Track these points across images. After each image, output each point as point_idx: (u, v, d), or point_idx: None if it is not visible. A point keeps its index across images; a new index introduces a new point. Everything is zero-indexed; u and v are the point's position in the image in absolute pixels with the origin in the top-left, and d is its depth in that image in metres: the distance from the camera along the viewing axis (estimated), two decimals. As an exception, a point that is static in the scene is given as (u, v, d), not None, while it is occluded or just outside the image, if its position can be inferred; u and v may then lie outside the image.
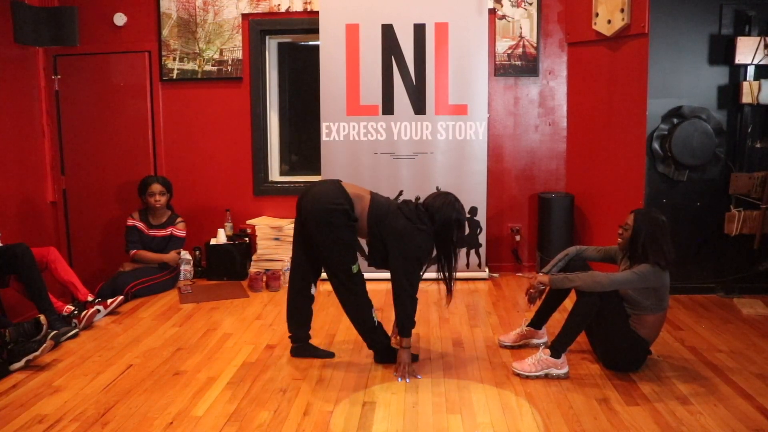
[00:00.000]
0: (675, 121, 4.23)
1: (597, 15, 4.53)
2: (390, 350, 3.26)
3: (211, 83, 5.11)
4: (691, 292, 4.39)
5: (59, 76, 5.03)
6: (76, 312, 3.86)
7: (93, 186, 5.11)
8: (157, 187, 4.67)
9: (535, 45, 4.98)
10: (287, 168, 5.50)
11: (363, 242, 3.27)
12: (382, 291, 4.08)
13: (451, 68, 4.78)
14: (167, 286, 4.68)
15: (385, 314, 3.91)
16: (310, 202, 3.08)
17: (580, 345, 3.31)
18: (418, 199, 3.33)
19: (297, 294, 3.32)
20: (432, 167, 4.83)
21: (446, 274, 3.18)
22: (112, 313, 4.13)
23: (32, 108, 4.90)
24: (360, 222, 3.10)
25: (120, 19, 5.03)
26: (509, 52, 5.00)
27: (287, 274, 4.74)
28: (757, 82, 4.12)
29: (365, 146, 4.84)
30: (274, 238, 4.97)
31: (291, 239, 4.99)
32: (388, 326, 3.42)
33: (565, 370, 3.06)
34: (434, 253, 3.17)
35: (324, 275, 3.28)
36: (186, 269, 4.93)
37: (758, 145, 4.27)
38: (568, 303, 3.22)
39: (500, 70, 5.02)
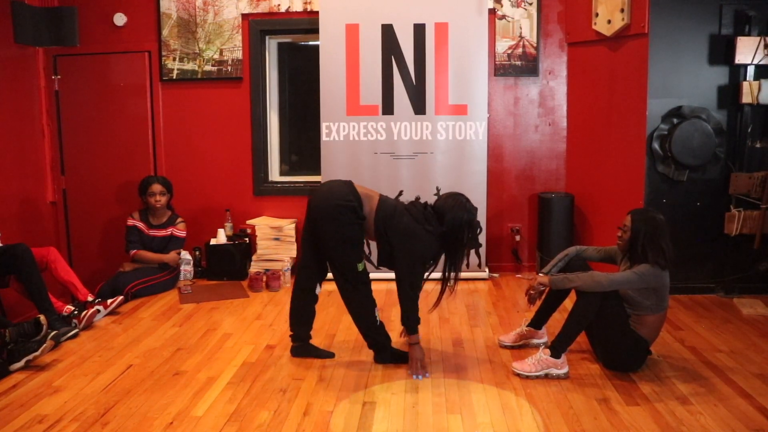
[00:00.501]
0: (675, 121, 4.23)
1: (597, 15, 4.53)
2: (390, 351, 3.27)
3: (211, 83, 5.11)
4: (691, 292, 4.39)
5: (59, 76, 5.03)
6: (76, 312, 3.86)
7: (93, 186, 5.11)
8: (157, 187, 4.67)
9: (535, 45, 4.98)
10: (287, 168, 5.50)
11: (373, 245, 3.28)
12: (382, 291, 4.08)
13: (451, 68, 4.78)
14: (167, 286, 4.67)
15: (385, 314, 3.91)
16: (320, 198, 3.12)
17: (580, 345, 3.31)
18: (418, 199, 3.33)
19: (302, 293, 3.33)
20: (432, 167, 4.83)
21: (451, 274, 3.19)
22: (112, 313, 4.13)
23: (32, 108, 4.90)
24: (368, 221, 3.13)
25: (120, 19, 5.03)
26: (509, 52, 5.00)
27: (287, 274, 4.77)
28: (757, 82, 4.12)
29: (365, 146, 4.84)
30: (274, 238, 4.97)
31: (291, 239, 5.07)
32: (389, 326, 3.43)
33: (565, 370, 3.06)
34: (441, 254, 3.19)
35: (329, 275, 3.28)
36: (186, 269, 4.92)
37: (758, 145, 4.27)
38: (568, 303, 3.22)
39: (500, 70, 5.02)
